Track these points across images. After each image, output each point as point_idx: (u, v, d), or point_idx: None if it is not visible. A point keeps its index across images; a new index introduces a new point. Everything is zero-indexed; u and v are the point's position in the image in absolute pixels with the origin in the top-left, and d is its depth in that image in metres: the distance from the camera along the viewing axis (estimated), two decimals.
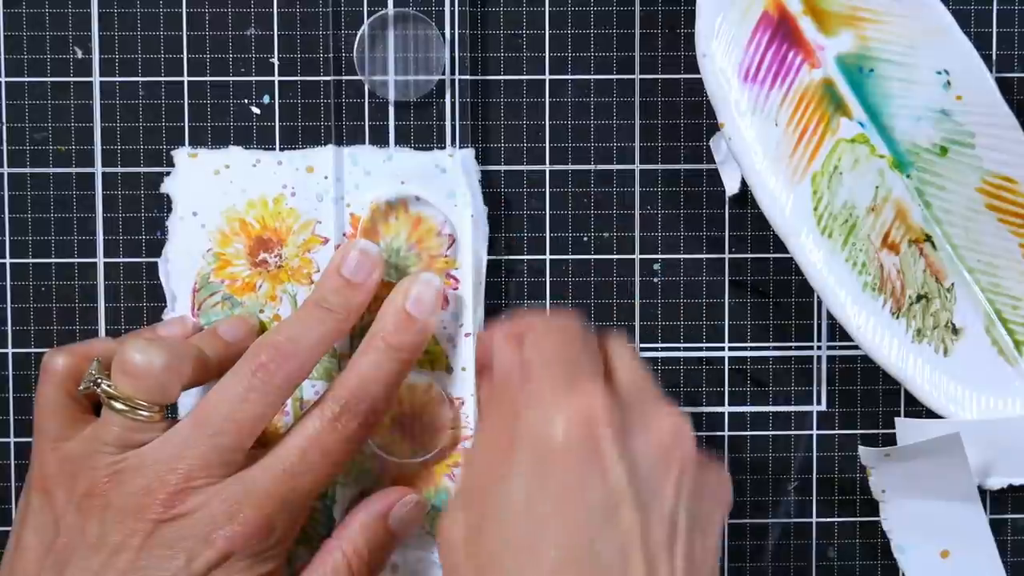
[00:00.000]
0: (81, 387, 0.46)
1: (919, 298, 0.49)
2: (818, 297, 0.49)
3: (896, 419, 0.50)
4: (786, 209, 0.48)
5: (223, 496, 0.44)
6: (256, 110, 0.51)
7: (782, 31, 0.48)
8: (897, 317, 0.49)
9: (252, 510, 0.44)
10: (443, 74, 0.51)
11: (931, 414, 0.50)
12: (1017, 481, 0.50)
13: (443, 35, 0.51)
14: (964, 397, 0.49)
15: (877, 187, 0.49)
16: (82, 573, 0.43)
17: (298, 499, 0.45)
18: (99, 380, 0.45)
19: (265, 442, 0.46)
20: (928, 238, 0.49)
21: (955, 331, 0.49)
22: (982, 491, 0.50)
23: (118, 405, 0.45)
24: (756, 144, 0.48)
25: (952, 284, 0.49)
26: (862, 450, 0.50)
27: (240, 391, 0.45)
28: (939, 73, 0.48)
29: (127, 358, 0.45)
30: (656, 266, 0.51)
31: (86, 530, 0.44)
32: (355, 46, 0.50)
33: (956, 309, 0.49)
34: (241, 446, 0.45)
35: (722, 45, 0.48)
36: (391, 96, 0.51)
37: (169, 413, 0.47)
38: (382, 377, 0.47)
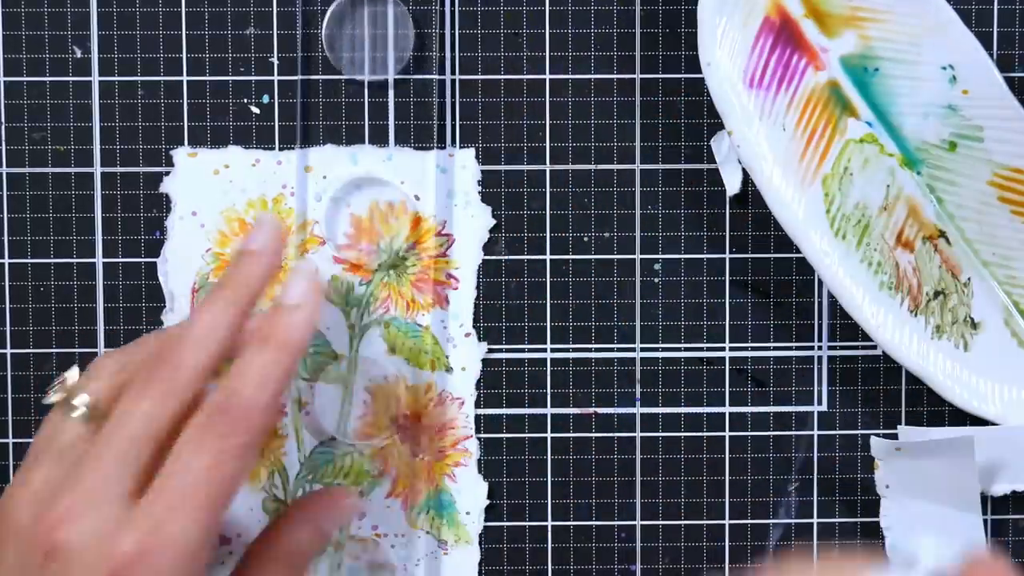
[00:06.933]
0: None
1: (936, 294, 0.49)
2: (819, 297, 0.49)
3: (899, 427, 0.50)
4: (798, 213, 0.48)
5: None
6: (256, 110, 0.51)
7: (784, 35, 0.48)
8: (915, 314, 0.49)
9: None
10: (413, 51, 0.50)
11: (932, 416, 0.50)
12: (1021, 488, 0.50)
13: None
14: (986, 391, 0.49)
15: (888, 186, 0.49)
16: None
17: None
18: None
19: None
20: (942, 234, 0.49)
21: (974, 325, 0.49)
22: (984, 496, 0.50)
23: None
24: (765, 150, 0.48)
25: (968, 278, 0.49)
26: (874, 441, 0.49)
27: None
28: (944, 68, 0.48)
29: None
30: (657, 266, 0.51)
31: None
32: (323, 27, 0.50)
33: (974, 303, 0.49)
34: None
35: (726, 53, 0.47)
36: (366, 76, 0.50)
37: None
38: (251, 372, 0.42)
